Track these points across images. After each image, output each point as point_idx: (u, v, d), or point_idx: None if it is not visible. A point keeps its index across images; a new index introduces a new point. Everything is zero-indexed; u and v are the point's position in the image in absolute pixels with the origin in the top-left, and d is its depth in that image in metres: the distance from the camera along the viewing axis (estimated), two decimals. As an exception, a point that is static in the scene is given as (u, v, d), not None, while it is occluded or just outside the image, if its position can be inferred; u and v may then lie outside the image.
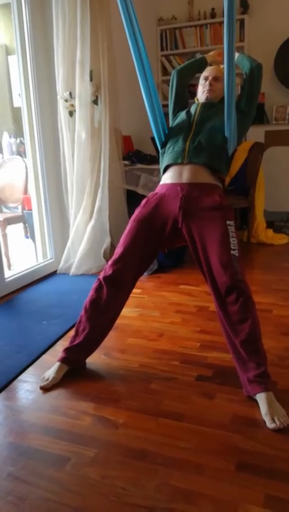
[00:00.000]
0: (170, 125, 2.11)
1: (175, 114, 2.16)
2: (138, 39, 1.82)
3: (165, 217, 1.86)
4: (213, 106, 2.08)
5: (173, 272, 3.29)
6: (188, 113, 2.08)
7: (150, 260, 1.96)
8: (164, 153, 2.03)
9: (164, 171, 2.01)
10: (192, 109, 2.10)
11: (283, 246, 3.93)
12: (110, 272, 1.86)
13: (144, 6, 4.32)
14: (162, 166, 2.02)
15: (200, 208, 1.82)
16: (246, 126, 2.07)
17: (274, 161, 4.31)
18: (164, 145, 2.05)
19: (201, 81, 2.15)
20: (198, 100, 2.15)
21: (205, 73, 2.14)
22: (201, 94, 2.13)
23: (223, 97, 2.03)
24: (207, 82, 2.11)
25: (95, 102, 3.15)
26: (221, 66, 2.18)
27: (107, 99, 3.18)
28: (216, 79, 2.10)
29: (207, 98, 2.10)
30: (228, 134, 1.90)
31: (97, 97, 3.15)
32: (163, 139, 2.07)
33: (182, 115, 2.09)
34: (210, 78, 2.11)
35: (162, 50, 4.62)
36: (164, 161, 2.00)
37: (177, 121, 2.09)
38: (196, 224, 1.80)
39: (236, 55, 2.14)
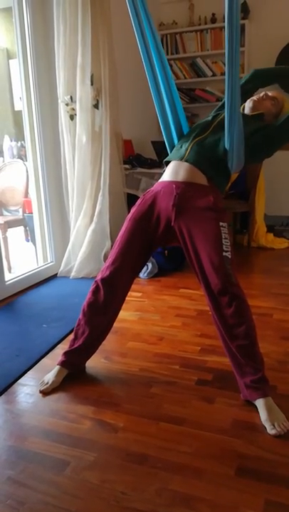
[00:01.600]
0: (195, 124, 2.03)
1: (217, 110, 2.07)
2: (148, 43, 1.78)
3: (159, 215, 1.83)
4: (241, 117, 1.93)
5: (173, 276, 3.29)
6: (217, 114, 2.00)
7: (146, 258, 1.94)
8: (175, 148, 1.96)
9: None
10: (220, 113, 1.99)
11: (283, 250, 3.93)
12: (107, 273, 1.85)
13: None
14: (168, 158, 1.96)
15: (193, 207, 1.78)
16: (263, 147, 1.93)
17: (274, 165, 4.30)
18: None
19: (262, 92, 2.05)
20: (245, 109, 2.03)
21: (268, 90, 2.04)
22: (249, 101, 2.02)
23: (258, 114, 1.98)
24: (262, 94, 2.02)
25: (96, 106, 3.16)
26: None
27: (107, 103, 3.19)
28: (272, 98, 2.01)
29: (249, 107, 2.01)
30: (228, 147, 1.81)
31: (97, 101, 3.16)
32: (175, 144, 2.01)
33: (211, 115, 2.02)
34: (268, 94, 2.02)
35: (163, 54, 4.64)
36: (171, 156, 1.95)
37: (202, 120, 2.01)
38: (188, 223, 1.77)
39: None
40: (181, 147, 1.92)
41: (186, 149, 1.88)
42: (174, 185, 1.83)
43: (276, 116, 2.02)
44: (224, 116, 1.82)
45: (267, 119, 2.02)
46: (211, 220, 1.75)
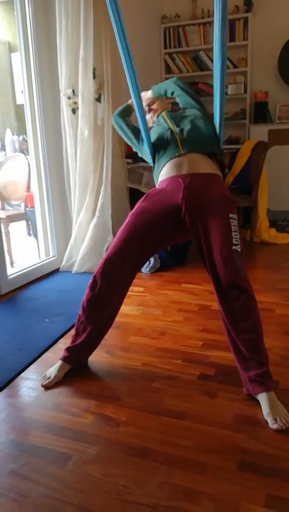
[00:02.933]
0: (152, 140, 2.09)
1: (147, 133, 2.10)
2: (131, 59, 1.81)
3: (167, 210, 1.83)
4: (173, 111, 2.15)
5: (175, 271, 3.29)
6: (159, 126, 2.08)
7: (148, 254, 1.93)
8: (158, 158, 2.01)
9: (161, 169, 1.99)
10: (161, 123, 2.09)
11: (286, 245, 3.92)
12: (105, 267, 1.83)
13: (148, 4, 4.31)
14: (159, 166, 1.99)
15: (203, 198, 1.79)
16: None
17: (277, 160, 4.30)
18: (154, 158, 2.06)
19: (145, 109, 2.22)
20: (153, 123, 2.19)
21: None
22: (151, 118, 2.21)
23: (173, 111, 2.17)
24: (148, 109, 2.23)
25: (98, 99, 3.15)
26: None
27: (110, 97, 3.17)
28: (151, 104, 2.24)
29: (158, 116, 2.17)
30: (218, 124, 1.96)
31: (100, 94, 3.14)
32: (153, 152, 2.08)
33: (156, 128, 2.09)
34: (148, 107, 2.23)
35: (166, 48, 4.60)
36: (162, 161, 1.97)
37: (156, 131, 2.06)
38: (199, 214, 1.78)
39: (150, 92, 2.30)
40: (166, 149, 1.96)
41: (177, 145, 1.94)
42: (180, 179, 1.85)
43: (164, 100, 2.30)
44: (171, 116, 2.07)
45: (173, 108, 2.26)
46: (221, 212, 1.77)
